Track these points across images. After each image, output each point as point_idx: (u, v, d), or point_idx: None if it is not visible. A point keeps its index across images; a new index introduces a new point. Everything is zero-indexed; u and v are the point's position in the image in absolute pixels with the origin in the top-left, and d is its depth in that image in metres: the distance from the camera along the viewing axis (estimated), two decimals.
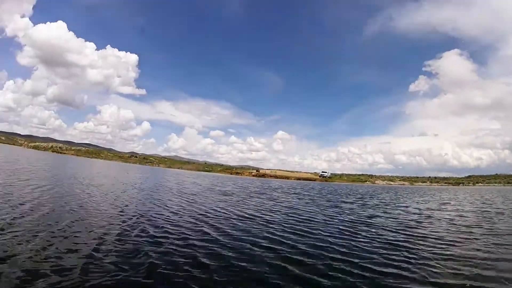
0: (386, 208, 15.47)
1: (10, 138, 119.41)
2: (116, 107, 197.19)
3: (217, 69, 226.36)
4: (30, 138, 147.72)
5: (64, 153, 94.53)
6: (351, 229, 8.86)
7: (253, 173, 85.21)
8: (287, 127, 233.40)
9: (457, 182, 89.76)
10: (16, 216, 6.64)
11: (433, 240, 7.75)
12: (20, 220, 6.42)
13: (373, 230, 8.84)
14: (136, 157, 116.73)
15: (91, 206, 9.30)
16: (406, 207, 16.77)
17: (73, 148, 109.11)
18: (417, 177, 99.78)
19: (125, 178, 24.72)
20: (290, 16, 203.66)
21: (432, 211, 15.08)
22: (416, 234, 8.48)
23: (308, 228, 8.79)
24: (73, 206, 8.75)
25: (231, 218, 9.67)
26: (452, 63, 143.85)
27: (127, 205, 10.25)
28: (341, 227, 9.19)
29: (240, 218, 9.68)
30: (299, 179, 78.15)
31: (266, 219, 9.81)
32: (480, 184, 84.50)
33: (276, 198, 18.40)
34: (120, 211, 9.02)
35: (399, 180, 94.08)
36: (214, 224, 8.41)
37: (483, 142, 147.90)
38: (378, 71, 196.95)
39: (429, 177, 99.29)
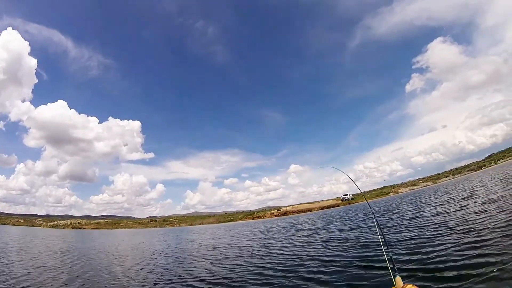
0: (391, 228, 12.48)
1: (29, 219, 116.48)
2: (128, 174, 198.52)
3: (218, 119, 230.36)
4: (48, 217, 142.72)
5: (84, 228, 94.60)
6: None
7: (274, 213, 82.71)
8: (298, 159, 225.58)
9: (478, 166, 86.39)
10: None
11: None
12: None
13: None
14: (156, 220, 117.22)
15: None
16: (423, 217, 13.58)
17: (92, 222, 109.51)
18: (439, 174, 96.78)
19: (118, 246, 22.50)
20: (274, 51, 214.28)
21: (451, 214, 12.36)
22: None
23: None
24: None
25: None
26: (439, 52, 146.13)
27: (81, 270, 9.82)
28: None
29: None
30: (322, 208, 75.73)
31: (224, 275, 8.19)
32: (502, 160, 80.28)
33: (269, 241, 16.32)
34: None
35: (422, 182, 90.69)
36: None
37: (492, 118, 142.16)
38: (371, 82, 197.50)
39: (451, 170, 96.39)
